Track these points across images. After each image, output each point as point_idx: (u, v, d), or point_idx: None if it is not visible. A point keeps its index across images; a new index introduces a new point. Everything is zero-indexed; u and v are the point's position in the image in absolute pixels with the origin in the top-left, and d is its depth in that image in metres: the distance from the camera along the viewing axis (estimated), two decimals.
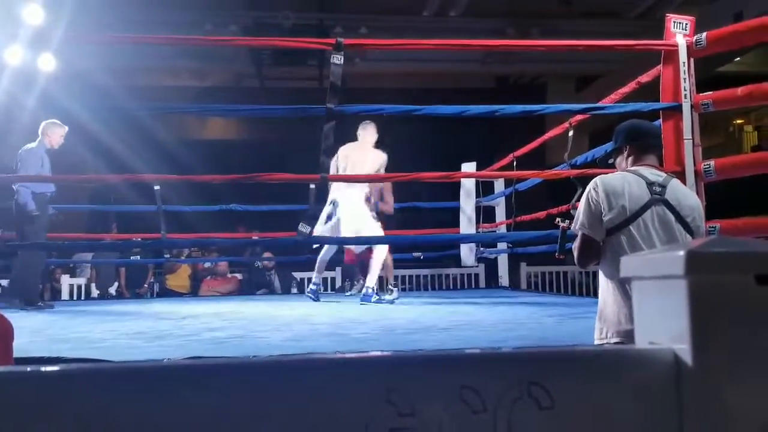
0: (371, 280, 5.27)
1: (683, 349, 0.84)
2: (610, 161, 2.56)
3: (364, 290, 5.33)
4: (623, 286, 2.14)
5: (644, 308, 0.96)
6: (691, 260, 0.84)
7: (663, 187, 2.23)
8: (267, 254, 8.01)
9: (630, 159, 2.39)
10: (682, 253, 0.85)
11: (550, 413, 0.83)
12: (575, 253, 2.32)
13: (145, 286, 8.11)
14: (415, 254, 7.38)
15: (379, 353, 0.91)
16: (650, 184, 2.22)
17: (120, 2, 8.41)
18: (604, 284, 2.25)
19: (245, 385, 0.83)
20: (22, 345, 3.05)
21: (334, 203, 5.28)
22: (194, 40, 7.35)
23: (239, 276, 8.24)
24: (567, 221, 2.57)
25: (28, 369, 0.84)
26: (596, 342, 2.25)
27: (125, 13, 8.46)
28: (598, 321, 2.27)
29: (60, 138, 5.47)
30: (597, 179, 2.28)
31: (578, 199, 2.64)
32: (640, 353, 0.90)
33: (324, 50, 4.27)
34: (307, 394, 0.82)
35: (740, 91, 3.55)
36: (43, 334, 3.50)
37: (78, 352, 2.67)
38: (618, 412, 0.84)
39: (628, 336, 2.09)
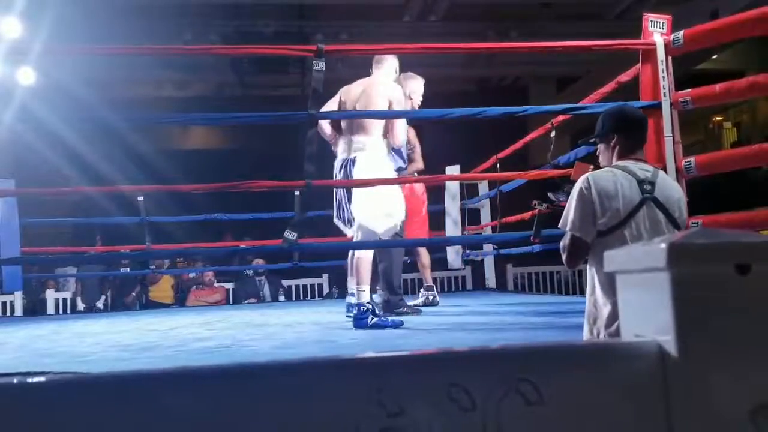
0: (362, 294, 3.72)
1: (667, 340, 0.86)
2: (592, 140, 2.44)
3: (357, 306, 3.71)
4: (613, 286, 2.11)
5: (629, 302, 0.97)
6: (673, 252, 0.85)
7: (652, 184, 2.17)
8: (260, 261, 7.93)
9: (616, 149, 2.29)
10: (664, 245, 0.86)
11: (539, 408, 0.83)
12: (563, 254, 2.25)
13: (133, 294, 8.03)
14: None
15: (367, 354, 0.91)
16: (641, 182, 2.15)
17: (99, 14, 8.37)
18: (594, 285, 2.19)
19: (233, 390, 0.82)
20: (8, 361, 3.03)
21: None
22: (175, 49, 7.33)
23: (227, 286, 8.19)
24: (544, 204, 2.50)
25: (13, 381, 0.84)
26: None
27: (104, 25, 8.40)
28: (587, 322, 2.22)
29: (418, 97, 4.50)
30: (589, 177, 2.19)
31: (560, 195, 2.59)
32: (625, 346, 0.91)
33: (305, 57, 4.25)
34: (296, 397, 0.82)
35: (718, 87, 3.58)
36: (28, 349, 3.47)
37: (64, 367, 2.64)
38: (606, 404, 0.85)
39: (617, 336, 2.07)
